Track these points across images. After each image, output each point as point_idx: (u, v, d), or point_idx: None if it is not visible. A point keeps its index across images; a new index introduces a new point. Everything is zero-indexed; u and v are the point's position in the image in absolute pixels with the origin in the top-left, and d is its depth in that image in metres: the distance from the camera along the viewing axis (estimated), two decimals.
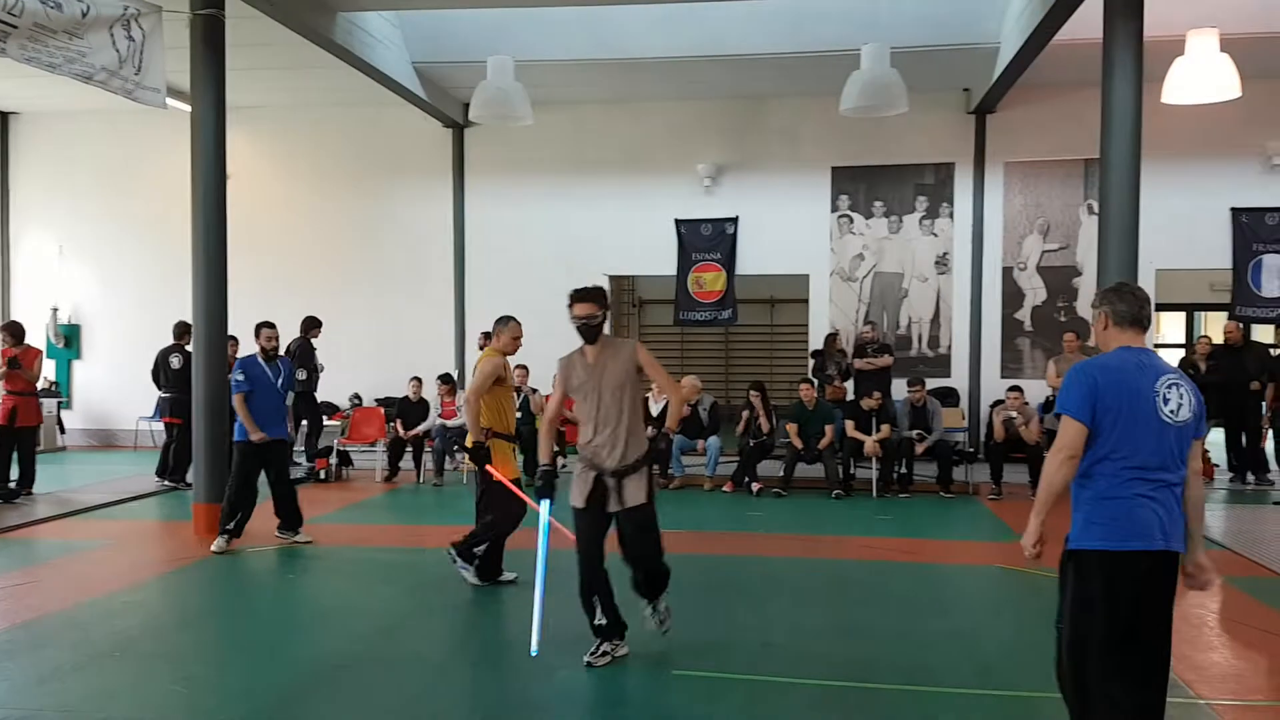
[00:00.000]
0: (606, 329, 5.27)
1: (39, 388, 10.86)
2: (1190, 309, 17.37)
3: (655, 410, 11.17)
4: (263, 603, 6.99)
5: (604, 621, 5.22)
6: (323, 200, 14.78)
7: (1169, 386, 3.42)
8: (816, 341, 13.44)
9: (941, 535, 9.14)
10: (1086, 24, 9.10)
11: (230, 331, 9.44)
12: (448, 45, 12.40)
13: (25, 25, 7.19)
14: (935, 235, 13.67)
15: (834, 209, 13.82)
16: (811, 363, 13.12)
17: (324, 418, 12.83)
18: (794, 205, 13.78)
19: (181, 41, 8.98)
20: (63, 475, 11.89)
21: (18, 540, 8.63)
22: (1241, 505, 10.52)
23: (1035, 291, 13.52)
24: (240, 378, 8.00)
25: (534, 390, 11.76)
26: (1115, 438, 3.39)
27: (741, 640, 5.75)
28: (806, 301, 14.13)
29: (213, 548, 7.93)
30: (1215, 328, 14.73)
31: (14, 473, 10.18)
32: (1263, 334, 15.72)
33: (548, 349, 5.49)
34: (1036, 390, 11.98)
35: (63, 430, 14.87)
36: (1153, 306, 3.64)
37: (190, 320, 9.36)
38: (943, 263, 13.67)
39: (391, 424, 12.36)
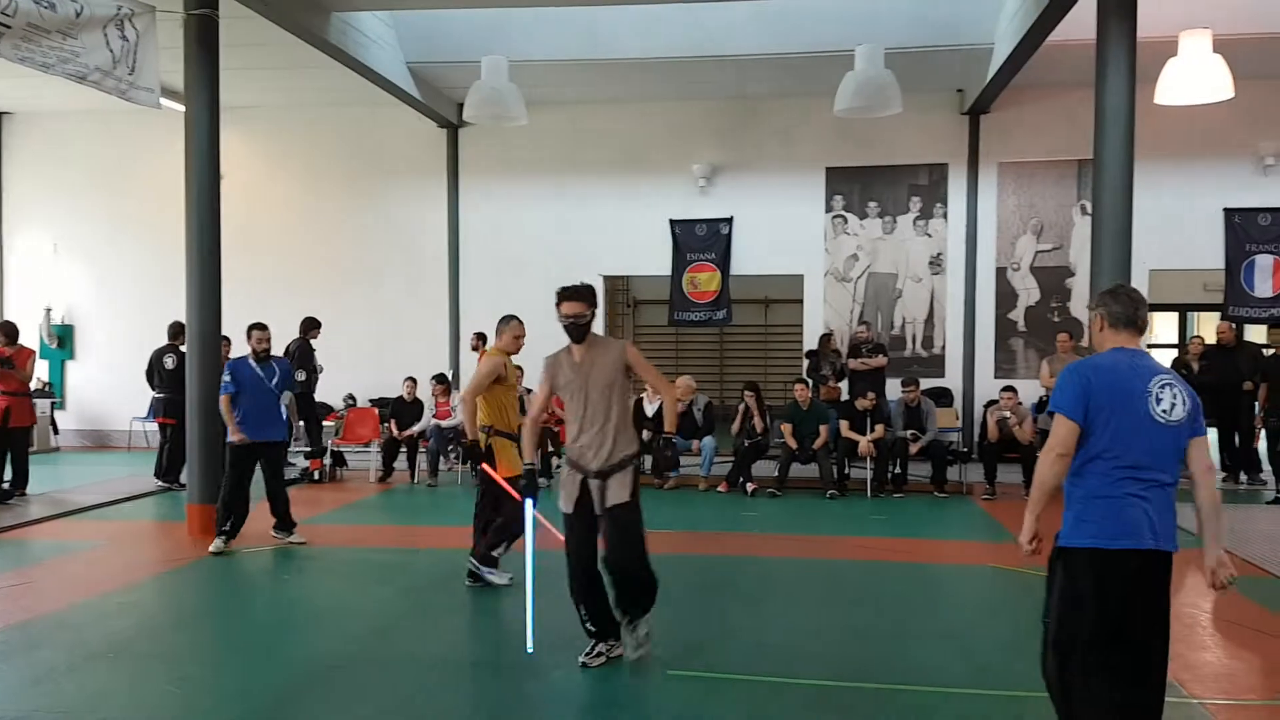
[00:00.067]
0: (599, 329, 5.26)
1: (32, 388, 10.83)
2: (1183, 309, 17.39)
3: (650, 411, 11.18)
4: (257, 603, 6.99)
5: (595, 628, 5.23)
6: (317, 201, 14.76)
7: (1162, 387, 3.46)
8: (811, 342, 13.45)
9: (935, 535, 9.15)
10: (1080, 25, 9.13)
11: (224, 332, 9.42)
12: (442, 45, 12.40)
13: (19, 25, 7.17)
14: (929, 236, 13.70)
15: (828, 209, 13.85)
16: (806, 363, 13.13)
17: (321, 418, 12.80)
18: (789, 206, 13.80)
19: (175, 41, 8.97)
20: (56, 476, 11.87)
21: (11, 541, 8.61)
22: (1234, 505, 10.53)
23: (1029, 292, 13.56)
24: (226, 379, 8.03)
25: (529, 390, 11.73)
26: (1107, 437, 3.43)
27: (736, 640, 5.76)
28: (801, 302, 14.14)
29: (211, 549, 7.94)
30: (1208, 328, 14.75)
31: (7, 473, 10.16)
32: (1255, 334, 15.76)
33: (543, 349, 5.49)
34: (1030, 390, 12.01)
35: (56, 431, 14.84)
36: (1147, 308, 3.68)
37: (184, 320, 9.35)
38: (937, 263, 13.70)
39: (386, 424, 12.34)
